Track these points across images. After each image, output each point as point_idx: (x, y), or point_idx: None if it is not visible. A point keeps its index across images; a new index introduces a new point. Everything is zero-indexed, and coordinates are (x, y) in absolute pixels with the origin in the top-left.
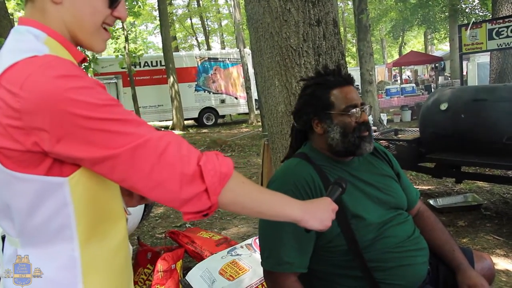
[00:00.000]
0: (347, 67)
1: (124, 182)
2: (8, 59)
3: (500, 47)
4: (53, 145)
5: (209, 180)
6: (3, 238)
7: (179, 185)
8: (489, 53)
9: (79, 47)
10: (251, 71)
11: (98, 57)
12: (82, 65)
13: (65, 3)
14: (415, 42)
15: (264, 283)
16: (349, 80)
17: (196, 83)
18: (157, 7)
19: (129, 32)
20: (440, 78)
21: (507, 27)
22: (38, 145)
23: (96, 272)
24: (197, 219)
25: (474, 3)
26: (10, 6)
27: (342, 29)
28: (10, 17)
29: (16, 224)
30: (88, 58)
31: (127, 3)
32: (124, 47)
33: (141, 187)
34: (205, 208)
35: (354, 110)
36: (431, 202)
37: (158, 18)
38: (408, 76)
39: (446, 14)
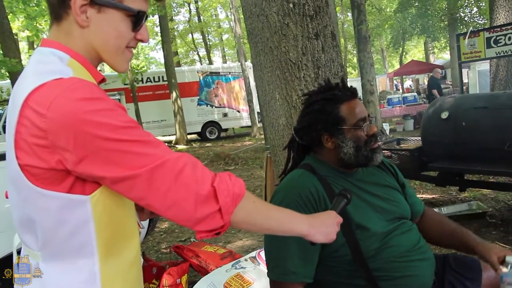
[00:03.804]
0: (347, 79)
1: (142, 200)
2: (34, 80)
3: (498, 55)
4: (75, 165)
5: (223, 200)
6: (18, 251)
7: (194, 205)
8: (488, 60)
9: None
10: (252, 84)
11: None
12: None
13: (91, 27)
14: (415, 51)
15: None
16: (355, 94)
17: (198, 97)
18: (158, 23)
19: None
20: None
21: (505, 35)
22: (61, 163)
23: (113, 286)
24: (210, 237)
25: (473, 12)
26: (15, 26)
27: (342, 40)
28: (15, 37)
29: (40, 238)
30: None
31: None
32: None
33: (157, 206)
34: (218, 227)
35: (365, 124)
36: (436, 210)
37: (159, 34)
38: (410, 85)
39: (446, 23)
